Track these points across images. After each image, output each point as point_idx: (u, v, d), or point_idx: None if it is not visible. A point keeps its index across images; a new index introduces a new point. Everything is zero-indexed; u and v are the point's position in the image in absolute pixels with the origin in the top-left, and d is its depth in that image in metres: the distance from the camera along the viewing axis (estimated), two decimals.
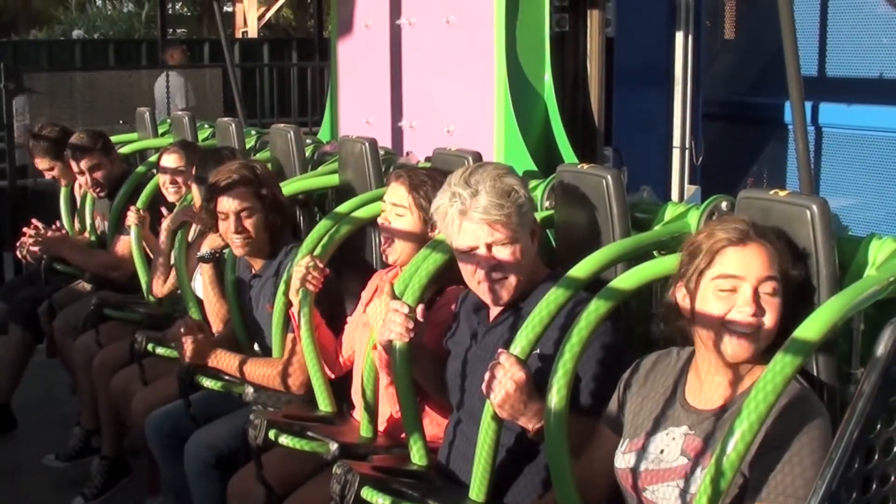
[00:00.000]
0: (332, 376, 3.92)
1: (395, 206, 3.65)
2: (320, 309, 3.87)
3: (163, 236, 5.09)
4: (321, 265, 3.79)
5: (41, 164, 6.46)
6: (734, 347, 2.49)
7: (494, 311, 3.15)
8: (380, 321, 3.24)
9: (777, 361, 2.24)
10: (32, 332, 6.05)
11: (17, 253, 6.16)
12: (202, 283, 4.63)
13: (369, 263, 4.36)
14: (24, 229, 5.98)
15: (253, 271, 4.33)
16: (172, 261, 4.96)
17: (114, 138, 6.70)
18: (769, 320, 2.48)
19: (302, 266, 3.76)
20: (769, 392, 2.21)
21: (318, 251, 3.89)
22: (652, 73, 6.26)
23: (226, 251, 4.60)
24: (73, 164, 5.92)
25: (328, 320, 3.93)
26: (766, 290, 2.49)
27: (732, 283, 2.51)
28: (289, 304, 3.92)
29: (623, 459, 2.67)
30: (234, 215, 4.16)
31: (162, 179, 5.38)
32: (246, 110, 8.02)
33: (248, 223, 4.18)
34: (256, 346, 4.39)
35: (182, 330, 4.22)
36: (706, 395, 2.58)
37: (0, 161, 9.20)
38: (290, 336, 3.97)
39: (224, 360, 4.17)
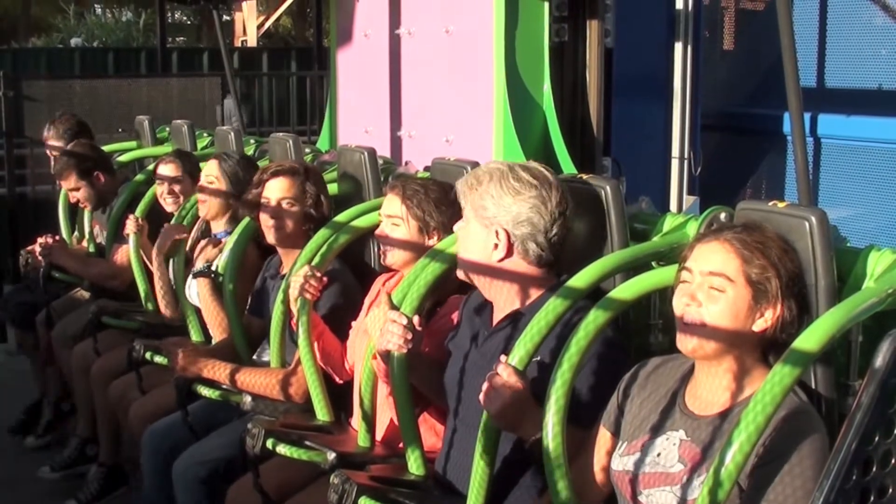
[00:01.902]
0: (340, 382, 3.92)
1: (389, 217, 3.68)
2: (325, 316, 3.88)
3: (155, 263, 5.08)
4: (318, 274, 3.80)
5: (67, 183, 6.07)
6: (680, 340, 2.54)
7: (497, 316, 3.15)
8: (378, 331, 3.25)
9: (775, 373, 2.24)
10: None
11: (20, 260, 6.17)
12: (200, 295, 4.63)
13: (370, 267, 4.36)
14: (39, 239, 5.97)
15: (282, 271, 4.33)
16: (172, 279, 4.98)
17: (112, 147, 6.72)
18: (711, 316, 2.48)
19: (300, 276, 3.77)
20: (767, 403, 2.21)
21: (316, 260, 3.90)
22: (651, 84, 6.27)
23: (219, 264, 4.60)
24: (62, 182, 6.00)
25: (336, 325, 3.92)
26: (712, 285, 2.50)
27: (684, 274, 2.56)
28: (289, 315, 3.93)
29: (620, 462, 2.66)
30: (274, 202, 4.22)
31: (159, 190, 5.38)
32: (245, 119, 8.03)
33: (286, 213, 4.22)
34: (255, 356, 4.39)
35: (173, 343, 4.24)
36: (705, 401, 2.58)
37: None
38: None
39: (218, 371, 4.15)
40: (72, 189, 5.94)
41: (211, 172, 4.91)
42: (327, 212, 4.33)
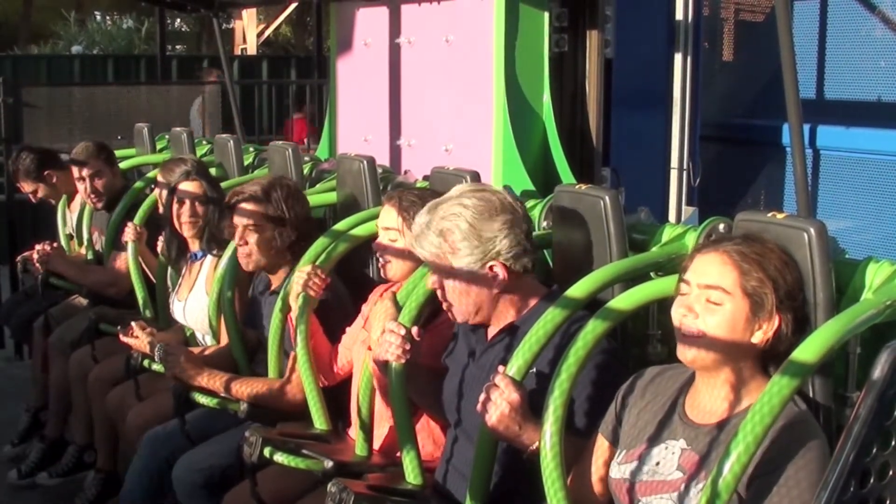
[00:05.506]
0: (326, 384, 3.91)
1: (387, 230, 3.67)
2: (320, 317, 3.88)
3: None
4: (322, 273, 3.79)
5: (24, 187, 6.55)
6: (679, 350, 2.55)
7: (492, 330, 3.14)
8: (377, 325, 3.25)
9: (774, 383, 2.24)
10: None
11: (17, 267, 6.18)
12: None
13: (369, 278, 4.36)
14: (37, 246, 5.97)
15: (272, 288, 4.32)
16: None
17: None
18: (708, 327, 2.49)
19: (304, 272, 3.76)
20: (766, 414, 2.21)
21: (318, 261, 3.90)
22: (650, 95, 6.26)
23: (216, 276, 4.60)
24: (75, 171, 6.02)
25: (330, 329, 3.91)
26: (710, 298, 2.50)
27: (682, 286, 2.57)
28: (286, 322, 3.92)
29: (619, 470, 2.66)
30: (239, 229, 4.20)
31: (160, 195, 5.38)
32: (244, 127, 8.04)
33: (250, 238, 4.19)
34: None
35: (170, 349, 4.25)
36: (705, 410, 2.58)
37: None
38: (293, 355, 3.96)
39: (214, 381, 4.14)
40: (92, 175, 5.98)
41: (197, 191, 4.89)
42: (303, 218, 4.28)
